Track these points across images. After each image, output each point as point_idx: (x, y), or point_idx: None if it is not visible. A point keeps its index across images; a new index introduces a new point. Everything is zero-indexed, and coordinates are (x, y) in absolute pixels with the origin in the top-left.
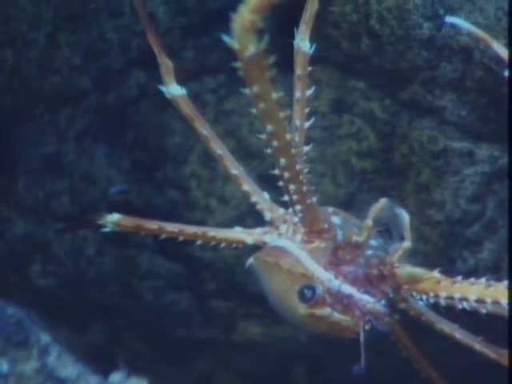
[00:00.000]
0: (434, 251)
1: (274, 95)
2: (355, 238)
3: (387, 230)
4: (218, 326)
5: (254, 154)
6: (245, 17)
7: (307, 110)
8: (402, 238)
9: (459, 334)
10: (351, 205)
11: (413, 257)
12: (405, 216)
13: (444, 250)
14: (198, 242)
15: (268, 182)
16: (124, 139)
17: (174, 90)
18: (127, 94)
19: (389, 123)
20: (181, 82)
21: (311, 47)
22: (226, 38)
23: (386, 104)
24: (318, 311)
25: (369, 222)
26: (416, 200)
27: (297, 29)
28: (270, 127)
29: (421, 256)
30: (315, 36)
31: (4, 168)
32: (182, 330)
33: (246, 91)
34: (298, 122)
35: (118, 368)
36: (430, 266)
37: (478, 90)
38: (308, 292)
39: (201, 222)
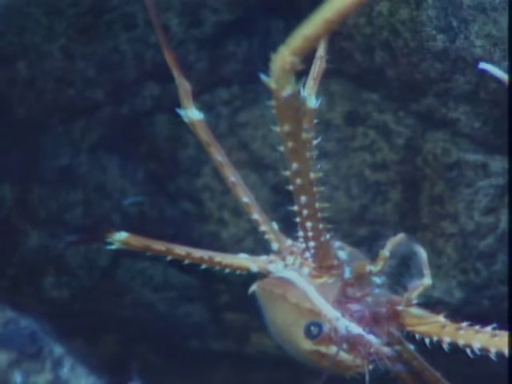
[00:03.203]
0: (448, 263)
1: (304, 135)
2: (369, 268)
3: (406, 265)
4: (231, 337)
5: (268, 166)
6: (285, 58)
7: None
8: (421, 275)
9: None
10: (364, 217)
11: None
12: (422, 253)
13: (457, 262)
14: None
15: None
16: (137, 151)
17: (192, 114)
18: (141, 106)
19: (402, 135)
20: (194, 94)
21: (317, 103)
22: (263, 77)
23: (399, 116)
24: (324, 349)
25: (386, 252)
26: (430, 212)
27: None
28: (295, 165)
29: (434, 268)
30: (329, 48)
31: (18, 180)
32: (196, 341)
33: (277, 129)
34: None
35: (132, 380)
36: (444, 278)
37: (492, 102)
38: (314, 329)
39: (214, 234)
